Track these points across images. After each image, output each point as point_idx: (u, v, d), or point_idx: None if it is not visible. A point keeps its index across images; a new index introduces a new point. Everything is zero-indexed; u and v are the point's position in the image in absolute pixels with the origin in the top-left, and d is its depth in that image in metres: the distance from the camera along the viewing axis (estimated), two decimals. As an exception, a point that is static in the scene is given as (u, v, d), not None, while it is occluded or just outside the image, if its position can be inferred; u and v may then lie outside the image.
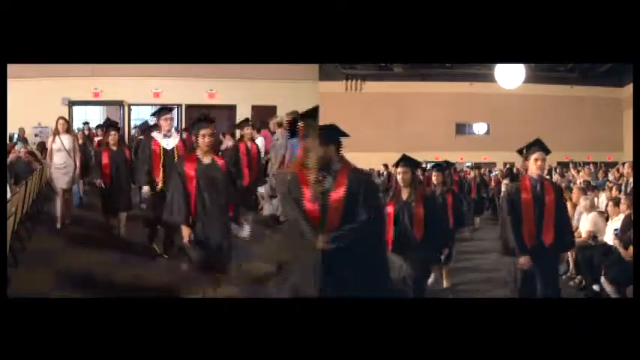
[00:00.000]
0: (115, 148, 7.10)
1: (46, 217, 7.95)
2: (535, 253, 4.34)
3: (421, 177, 6.41)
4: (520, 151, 4.61)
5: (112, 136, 7.13)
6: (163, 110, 6.55)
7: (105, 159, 7.03)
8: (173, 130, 6.47)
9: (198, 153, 4.59)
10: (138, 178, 6.47)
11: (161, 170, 6.12)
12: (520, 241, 4.36)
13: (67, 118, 8.13)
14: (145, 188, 6.28)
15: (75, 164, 7.57)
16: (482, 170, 14.18)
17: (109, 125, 7.62)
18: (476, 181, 12.10)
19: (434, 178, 6.42)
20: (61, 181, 7.57)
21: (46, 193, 8.79)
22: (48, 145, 7.75)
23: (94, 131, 10.91)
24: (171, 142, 6.33)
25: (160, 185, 6.14)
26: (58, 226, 7.46)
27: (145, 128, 10.49)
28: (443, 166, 6.85)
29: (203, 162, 4.57)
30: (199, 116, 4.76)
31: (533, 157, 4.51)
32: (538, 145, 4.55)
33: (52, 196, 8.39)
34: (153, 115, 6.59)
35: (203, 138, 4.53)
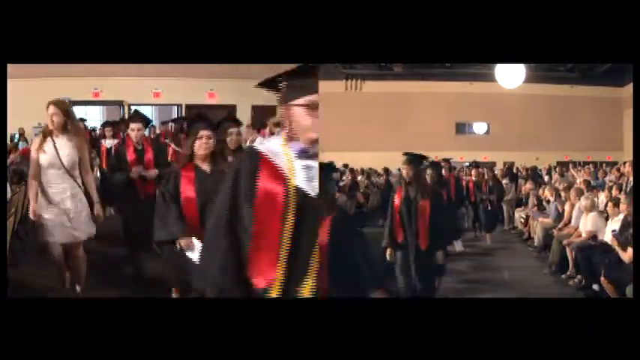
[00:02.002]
0: (208, 169, 3.68)
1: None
2: None
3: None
4: None
5: (205, 143, 3.66)
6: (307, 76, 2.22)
7: (189, 190, 3.58)
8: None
9: None
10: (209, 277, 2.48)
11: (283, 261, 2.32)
12: None
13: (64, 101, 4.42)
14: None
15: (94, 194, 4.30)
16: (480, 170, 11.38)
17: (193, 120, 3.91)
18: (488, 184, 9.85)
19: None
20: (57, 232, 4.14)
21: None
22: (32, 156, 4.26)
23: (97, 131, 10.11)
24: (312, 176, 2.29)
25: None
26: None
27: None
28: (330, 167, 3.76)
29: None
30: None
31: None
32: None
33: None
34: (264, 83, 2.31)
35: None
